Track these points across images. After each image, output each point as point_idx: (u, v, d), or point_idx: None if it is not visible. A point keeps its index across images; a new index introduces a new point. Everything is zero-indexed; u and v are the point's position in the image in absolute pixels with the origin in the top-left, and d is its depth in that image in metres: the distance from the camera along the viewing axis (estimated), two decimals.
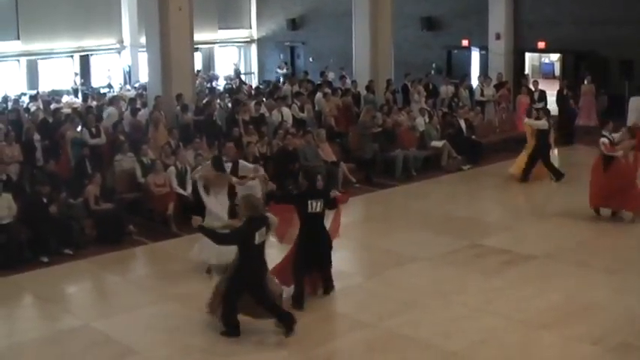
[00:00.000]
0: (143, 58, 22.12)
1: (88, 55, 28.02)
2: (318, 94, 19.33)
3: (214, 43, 31.31)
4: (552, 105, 20.38)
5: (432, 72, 24.39)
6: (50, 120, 16.43)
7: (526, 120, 15.82)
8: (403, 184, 15.64)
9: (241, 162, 11.64)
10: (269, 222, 8.33)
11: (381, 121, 16.78)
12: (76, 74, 27.00)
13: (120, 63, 28.80)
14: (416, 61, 25.56)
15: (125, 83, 27.44)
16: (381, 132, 16.47)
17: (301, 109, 18.05)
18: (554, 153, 16.48)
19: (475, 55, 25.93)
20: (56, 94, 23.62)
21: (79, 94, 24.62)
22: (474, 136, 17.61)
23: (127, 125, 16.15)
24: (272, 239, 9.07)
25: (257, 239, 8.11)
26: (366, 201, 14.65)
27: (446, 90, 21.02)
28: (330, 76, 24.19)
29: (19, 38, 26.04)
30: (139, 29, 26.93)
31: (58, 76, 26.96)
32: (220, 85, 27.57)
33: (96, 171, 12.78)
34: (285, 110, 17.50)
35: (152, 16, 16.99)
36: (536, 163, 15.17)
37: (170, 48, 16.72)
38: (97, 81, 27.61)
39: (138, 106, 17.43)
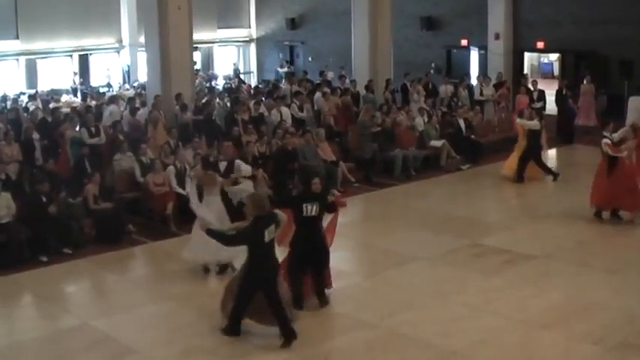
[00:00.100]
0: (142, 57, 22.11)
1: (87, 54, 27.99)
2: (318, 94, 19.32)
3: (213, 42, 31.30)
4: (552, 105, 20.43)
5: (432, 71, 24.37)
6: (49, 119, 16.41)
7: (518, 120, 15.81)
8: (402, 184, 15.63)
9: (237, 162, 11.55)
10: (277, 219, 8.27)
11: (381, 121, 16.76)
12: (75, 73, 26.97)
13: (119, 62, 28.77)
14: (415, 60, 25.56)
15: (124, 82, 27.42)
16: (381, 131, 16.46)
17: (300, 109, 18.04)
18: (547, 154, 16.42)
19: (474, 55, 25.93)
20: (55, 94, 23.56)
21: (78, 94, 24.59)
22: (473, 136, 17.60)
23: (126, 125, 16.16)
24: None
25: (266, 237, 8.06)
26: (366, 200, 14.65)
27: (445, 90, 21.02)
28: (330, 75, 24.18)
29: (18, 37, 26.02)
30: (138, 28, 26.91)
31: (57, 75, 26.92)
32: (219, 84, 27.56)
33: (95, 170, 12.77)
34: (285, 110, 17.49)
35: (151, 16, 16.98)
36: (527, 163, 15.16)
37: (169, 47, 16.71)
38: (96, 80, 27.58)
39: (137, 105, 17.43)
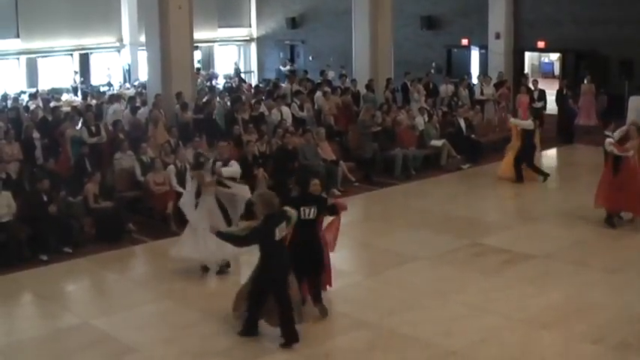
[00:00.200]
0: (143, 56, 22.10)
1: (87, 53, 27.99)
2: (318, 93, 19.32)
3: (214, 41, 31.29)
4: (552, 104, 20.42)
5: (432, 71, 24.38)
6: (50, 118, 16.42)
7: (512, 119, 15.82)
8: (403, 183, 15.63)
9: (231, 163, 11.30)
10: (288, 215, 8.20)
11: (381, 120, 16.77)
12: (76, 72, 26.97)
13: (119, 61, 28.76)
14: (416, 60, 25.55)
15: (125, 82, 27.41)
16: (381, 131, 16.47)
17: (301, 108, 18.04)
18: (540, 154, 16.39)
19: (475, 55, 25.93)
20: (56, 93, 23.58)
21: (79, 93, 24.59)
22: (473, 135, 17.60)
23: (126, 124, 16.17)
24: None
25: (277, 235, 8.00)
26: (366, 200, 14.65)
27: (445, 89, 21.01)
28: (330, 74, 24.17)
29: (18, 36, 26.01)
30: (138, 28, 26.90)
31: (58, 74, 26.91)
32: (220, 83, 27.56)
33: (95, 169, 12.78)
34: (285, 109, 17.48)
35: (152, 15, 16.98)
36: (523, 162, 15.16)
37: (170, 46, 16.71)
38: (97, 79, 27.58)
39: (137, 104, 17.43)
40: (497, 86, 20.92)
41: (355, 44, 21.30)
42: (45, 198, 11.55)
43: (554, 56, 29.83)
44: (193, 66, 18.52)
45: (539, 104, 19.77)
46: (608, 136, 12.37)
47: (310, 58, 30.11)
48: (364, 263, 11.27)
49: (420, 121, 17.47)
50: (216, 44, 31.63)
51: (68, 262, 11.10)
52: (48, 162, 13.55)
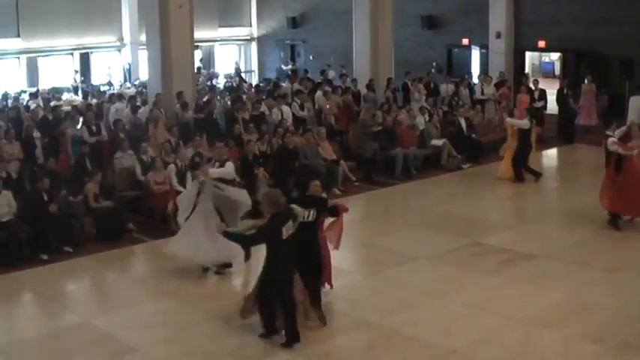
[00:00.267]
0: (143, 55, 22.10)
1: (88, 52, 28.01)
2: (319, 93, 19.32)
3: (214, 41, 31.29)
4: (552, 104, 20.42)
5: (433, 71, 24.37)
6: (50, 117, 16.42)
7: (508, 119, 15.81)
8: (403, 183, 15.63)
9: (227, 164, 11.04)
10: (294, 213, 8.18)
11: (381, 120, 16.78)
12: (76, 72, 26.99)
13: (120, 61, 28.78)
14: (416, 59, 25.56)
15: (125, 81, 27.42)
16: (381, 130, 16.47)
17: (301, 108, 18.05)
18: (538, 153, 16.38)
19: (475, 54, 25.92)
20: (56, 92, 23.58)
21: (79, 92, 24.61)
22: (474, 135, 17.60)
23: (127, 123, 16.17)
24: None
25: (284, 234, 7.97)
26: (366, 199, 14.65)
27: (446, 89, 21.01)
28: (331, 74, 24.18)
29: (19, 36, 26.03)
30: (139, 27, 26.91)
31: (58, 73, 26.94)
32: (220, 83, 27.57)
33: (96, 169, 12.78)
34: (285, 108, 17.48)
35: (152, 14, 16.98)
36: (527, 161, 15.15)
37: (170, 46, 16.71)
38: (97, 79, 27.60)
39: (138, 103, 17.44)
40: (497, 86, 20.91)
41: (356, 44, 21.29)
42: (45, 197, 11.56)
43: (555, 56, 29.83)
44: (194, 65, 18.52)
45: (539, 104, 19.76)
46: (610, 136, 12.34)
47: (311, 57, 30.12)
48: (364, 263, 11.27)
49: (421, 120, 17.47)
50: (216, 44, 31.63)
51: (69, 262, 11.11)
52: (48, 161, 13.55)
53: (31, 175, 12.90)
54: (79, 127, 15.39)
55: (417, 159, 16.48)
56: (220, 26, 31.10)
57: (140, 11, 26.13)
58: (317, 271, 8.75)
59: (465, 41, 25.87)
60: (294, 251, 8.16)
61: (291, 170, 14.04)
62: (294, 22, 30.63)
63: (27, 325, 9.18)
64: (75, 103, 20.65)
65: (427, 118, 17.53)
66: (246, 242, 8.40)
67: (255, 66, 32.80)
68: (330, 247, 9.26)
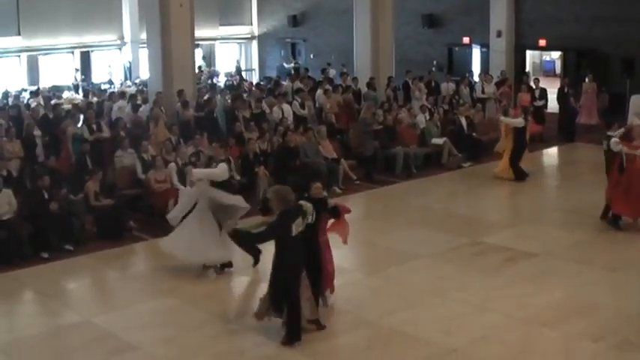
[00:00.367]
0: (144, 54, 22.11)
1: (88, 51, 27.99)
2: (319, 91, 19.31)
3: (215, 39, 31.28)
4: (553, 103, 20.41)
5: (433, 69, 24.36)
6: (51, 116, 16.42)
7: (502, 118, 15.80)
8: (403, 182, 15.63)
9: (220, 165, 10.76)
10: (304, 209, 8.15)
11: (382, 118, 16.77)
12: (77, 70, 26.98)
13: (120, 59, 28.77)
14: (417, 58, 25.55)
15: (126, 79, 27.42)
16: (382, 129, 16.46)
17: (302, 106, 18.04)
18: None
19: (476, 53, 25.90)
20: (57, 90, 23.57)
21: (80, 90, 24.61)
22: (474, 134, 17.59)
23: (127, 121, 16.17)
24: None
25: (294, 231, 7.95)
26: (367, 198, 14.66)
27: (447, 87, 21.01)
28: (331, 72, 24.17)
29: (19, 34, 26.02)
30: (139, 25, 26.89)
31: (59, 72, 26.92)
32: (221, 81, 27.56)
33: (96, 167, 12.78)
34: (286, 107, 17.48)
35: (153, 12, 16.98)
36: (519, 160, 15.15)
37: (171, 44, 16.71)
38: (98, 77, 27.60)
39: (138, 102, 17.44)
40: (498, 85, 20.90)
41: (356, 42, 21.28)
42: (46, 196, 11.56)
43: (556, 55, 29.81)
44: (194, 64, 18.51)
45: (540, 103, 19.75)
46: (611, 137, 12.28)
47: (311, 56, 30.11)
48: (365, 261, 11.27)
49: (421, 119, 17.47)
50: (217, 42, 31.62)
51: (69, 260, 11.11)
52: (49, 160, 13.56)
53: (32, 174, 12.90)
54: (79, 125, 15.40)
55: (418, 158, 16.47)
56: (221, 24, 31.08)
57: (141, 9, 26.11)
58: (317, 273, 8.72)
59: (466, 40, 25.85)
60: (303, 248, 8.15)
61: (292, 169, 14.04)
62: (294, 21, 30.61)
63: (27, 323, 9.17)
64: (75, 102, 20.66)
65: (428, 117, 17.53)
66: (256, 239, 8.33)
67: (255, 64, 32.78)
68: (338, 240, 9.22)
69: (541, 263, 10.54)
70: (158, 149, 13.95)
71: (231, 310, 9.49)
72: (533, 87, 20.36)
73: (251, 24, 32.65)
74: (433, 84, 21.19)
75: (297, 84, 20.95)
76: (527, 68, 25.85)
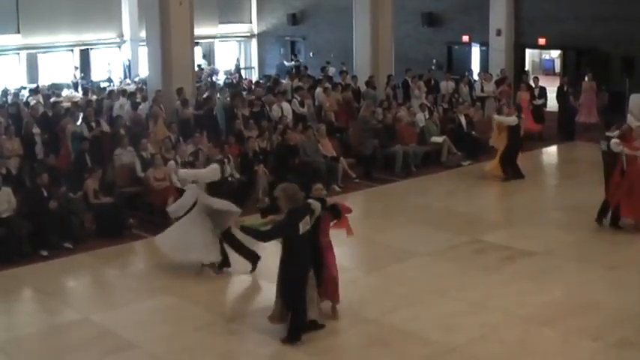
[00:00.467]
0: (143, 52, 22.08)
1: (88, 49, 27.97)
2: (319, 89, 19.31)
3: (215, 37, 31.26)
4: (553, 102, 20.41)
5: (433, 68, 24.36)
6: (50, 114, 16.40)
7: (495, 116, 15.78)
8: (403, 180, 15.62)
9: (212, 166, 10.46)
10: (312, 208, 8.13)
11: (381, 117, 16.76)
12: (76, 68, 26.96)
13: (120, 57, 28.75)
14: (416, 56, 25.55)
15: (125, 77, 27.40)
16: (381, 127, 16.45)
17: (301, 104, 18.03)
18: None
19: (476, 51, 25.89)
20: (56, 88, 23.57)
21: (79, 88, 24.59)
22: (474, 132, 17.58)
23: (127, 119, 16.16)
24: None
25: (301, 230, 7.92)
26: (366, 196, 14.65)
27: (446, 86, 21.00)
28: (331, 71, 24.16)
29: (19, 32, 25.99)
30: (139, 23, 26.89)
31: (58, 69, 26.89)
32: (220, 79, 27.55)
33: (96, 165, 12.77)
34: (286, 105, 17.47)
35: (152, 10, 16.96)
36: (516, 158, 15.14)
37: (170, 42, 16.69)
38: (97, 75, 27.58)
39: (138, 100, 17.43)
40: (498, 83, 20.89)
41: (356, 41, 21.28)
42: (45, 193, 11.55)
43: (555, 53, 29.81)
44: (194, 62, 18.50)
45: (539, 101, 19.76)
46: (611, 137, 12.24)
47: (311, 54, 30.10)
48: (364, 260, 11.26)
49: (421, 117, 17.46)
50: (216, 40, 31.60)
51: (68, 258, 11.11)
52: (48, 158, 13.55)
53: (31, 172, 12.89)
54: (78, 123, 15.39)
55: (417, 156, 16.47)
56: (220, 23, 31.04)
57: (140, 8, 26.10)
58: (317, 275, 8.66)
59: (466, 38, 25.84)
60: (310, 247, 8.13)
61: (291, 167, 14.03)
62: (294, 19, 30.59)
63: (26, 321, 9.17)
64: (75, 100, 20.66)
65: (427, 115, 17.52)
66: (262, 237, 8.29)
67: (255, 62, 32.76)
68: (339, 239, 9.21)
69: (541, 262, 10.54)
70: (157, 147, 13.94)
71: (231, 309, 9.49)
72: (533, 86, 20.36)
73: (250, 22, 32.63)
74: (433, 82, 21.19)
75: (297, 82, 20.95)
76: (527, 67, 25.86)
